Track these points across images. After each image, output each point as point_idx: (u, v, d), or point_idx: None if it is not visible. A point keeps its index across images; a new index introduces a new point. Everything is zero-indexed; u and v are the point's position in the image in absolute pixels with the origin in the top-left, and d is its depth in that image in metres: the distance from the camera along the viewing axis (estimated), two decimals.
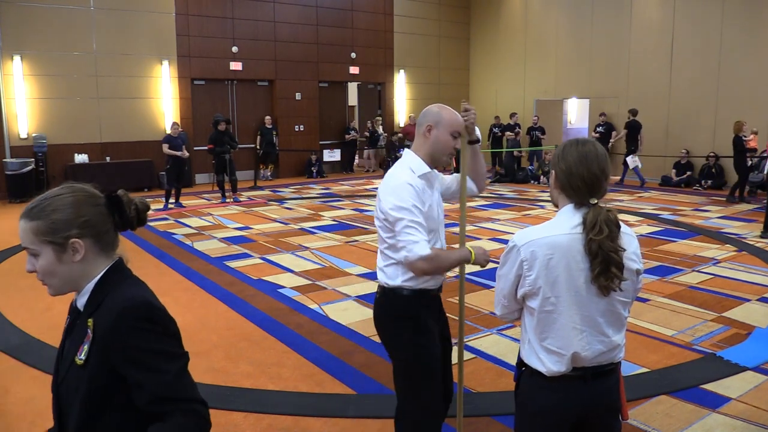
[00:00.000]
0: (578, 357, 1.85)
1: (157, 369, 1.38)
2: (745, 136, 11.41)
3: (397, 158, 13.01)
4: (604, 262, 1.78)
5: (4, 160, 11.96)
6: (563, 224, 1.87)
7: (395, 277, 2.45)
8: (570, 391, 1.87)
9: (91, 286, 1.47)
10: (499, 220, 9.69)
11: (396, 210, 2.32)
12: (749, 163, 11.30)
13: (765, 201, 8.75)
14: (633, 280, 1.91)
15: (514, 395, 2.02)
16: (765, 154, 11.68)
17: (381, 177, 16.27)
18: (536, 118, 15.66)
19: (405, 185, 2.36)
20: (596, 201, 1.85)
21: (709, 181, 12.99)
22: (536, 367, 1.90)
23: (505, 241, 7.06)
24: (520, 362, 1.99)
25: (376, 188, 12.44)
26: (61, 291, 1.48)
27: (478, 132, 2.69)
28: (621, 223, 1.87)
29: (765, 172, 10.69)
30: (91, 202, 1.46)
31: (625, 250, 1.83)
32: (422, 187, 2.41)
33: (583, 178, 1.84)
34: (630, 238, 1.92)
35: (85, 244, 1.44)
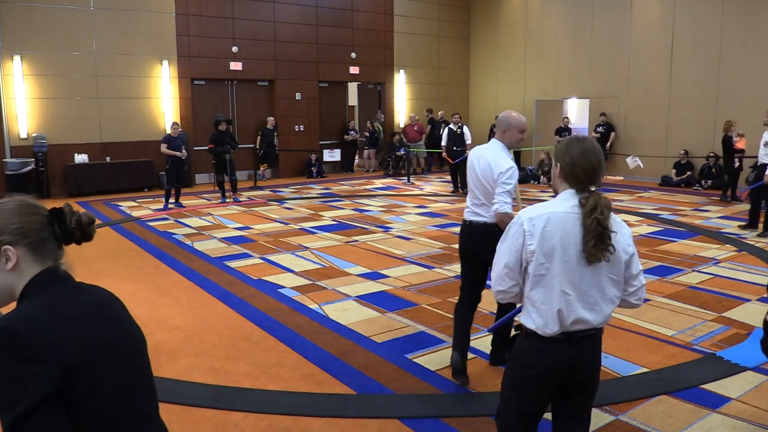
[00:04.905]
0: (562, 316, 2.14)
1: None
2: (735, 137, 11.45)
3: (397, 158, 13.05)
4: (599, 236, 2.09)
5: (4, 160, 11.96)
6: (562, 203, 2.19)
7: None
8: (557, 351, 2.18)
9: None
10: None
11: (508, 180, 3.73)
12: (736, 164, 11.38)
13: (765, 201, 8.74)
14: (623, 261, 2.19)
15: (509, 354, 2.32)
16: None
17: (381, 177, 16.20)
18: (566, 119, 15.55)
19: (515, 170, 3.78)
20: (595, 188, 2.18)
21: (709, 181, 12.99)
22: (528, 326, 2.21)
23: None
24: (518, 326, 2.29)
25: (376, 188, 12.26)
26: None
27: None
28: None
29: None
30: (28, 211, 1.42)
31: (616, 232, 2.15)
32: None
33: (585, 170, 2.17)
34: (622, 225, 2.22)
35: (18, 252, 1.38)
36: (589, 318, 2.16)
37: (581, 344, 2.19)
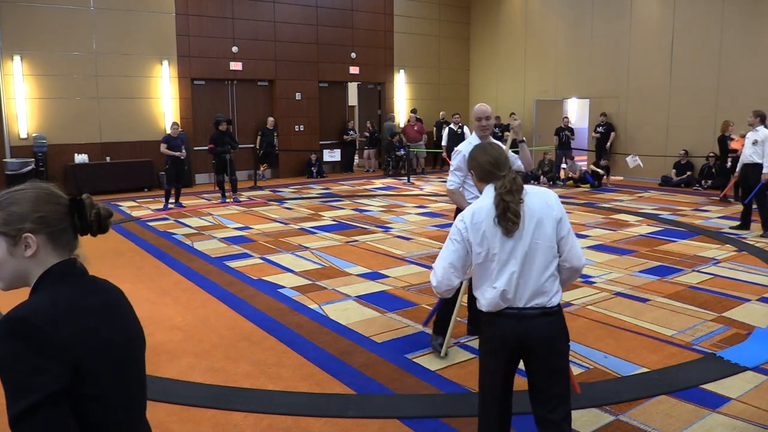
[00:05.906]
0: (506, 292, 2.38)
1: (8, 399, 1.24)
2: (731, 137, 11.44)
3: (397, 158, 13.10)
4: (503, 209, 2.37)
5: (4, 160, 11.96)
6: (486, 198, 2.47)
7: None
8: (506, 325, 2.42)
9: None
10: None
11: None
12: (728, 164, 11.37)
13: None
14: (551, 227, 2.41)
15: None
16: None
17: (381, 177, 16.18)
18: (566, 119, 15.50)
19: (458, 153, 4.32)
20: (504, 174, 2.45)
21: (709, 181, 12.98)
22: (480, 307, 2.48)
23: None
24: None
25: (376, 188, 12.28)
26: (11, 286, 1.44)
27: (522, 136, 4.57)
28: (536, 186, 2.54)
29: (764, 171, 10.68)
30: (50, 200, 1.43)
31: (522, 201, 2.39)
32: None
33: (489, 162, 2.50)
34: (539, 196, 2.45)
35: (38, 240, 1.40)
36: (529, 285, 2.39)
37: (530, 321, 2.39)
